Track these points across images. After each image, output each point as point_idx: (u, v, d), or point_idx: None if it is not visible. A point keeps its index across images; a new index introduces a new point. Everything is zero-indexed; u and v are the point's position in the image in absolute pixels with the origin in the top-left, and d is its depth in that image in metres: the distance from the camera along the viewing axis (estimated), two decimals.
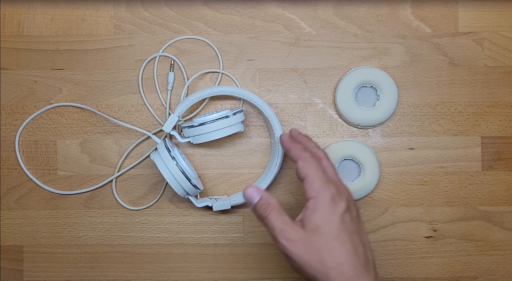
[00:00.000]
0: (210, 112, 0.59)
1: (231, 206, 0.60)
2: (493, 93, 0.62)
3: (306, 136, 0.54)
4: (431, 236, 0.62)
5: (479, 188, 0.62)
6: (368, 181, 0.61)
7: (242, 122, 0.59)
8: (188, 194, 0.57)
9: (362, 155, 0.61)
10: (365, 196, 0.62)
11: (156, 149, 0.58)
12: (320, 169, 0.49)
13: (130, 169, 0.63)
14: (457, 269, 0.62)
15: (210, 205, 0.59)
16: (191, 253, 0.63)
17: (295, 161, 0.50)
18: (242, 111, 0.59)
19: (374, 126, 0.62)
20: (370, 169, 0.61)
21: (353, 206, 0.48)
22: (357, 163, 0.61)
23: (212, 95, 0.59)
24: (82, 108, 0.63)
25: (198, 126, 0.56)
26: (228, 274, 0.63)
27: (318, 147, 0.53)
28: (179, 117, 0.57)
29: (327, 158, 0.52)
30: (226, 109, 0.59)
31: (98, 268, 0.63)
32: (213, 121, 0.56)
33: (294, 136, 0.54)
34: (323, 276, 0.45)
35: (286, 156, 0.61)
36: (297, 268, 0.47)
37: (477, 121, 0.62)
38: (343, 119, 0.62)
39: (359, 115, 0.61)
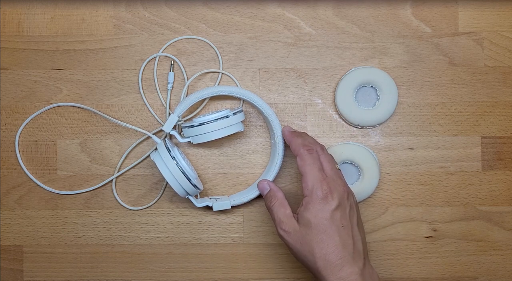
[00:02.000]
0: (210, 112, 0.59)
1: (231, 206, 0.60)
2: (493, 93, 0.62)
3: (303, 132, 0.58)
4: (431, 236, 0.62)
5: (479, 188, 0.62)
6: (367, 185, 0.61)
7: (242, 122, 0.59)
8: (188, 194, 0.57)
9: (361, 158, 0.61)
10: (365, 199, 0.62)
11: (156, 149, 0.58)
12: (317, 166, 0.52)
13: (130, 169, 0.63)
14: (457, 269, 0.62)
15: (210, 205, 0.59)
16: (191, 253, 0.63)
17: (295, 156, 0.54)
18: (242, 111, 0.59)
19: (374, 126, 0.62)
20: (369, 173, 0.60)
21: (346, 202, 0.52)
22: (357, 166, 0.61)
23: (212, 95, 0.59)
24: (82, 108, 0.63)
25: (198, 126, 0.56)
26: (228, 274, 0.63)
27: (316, 142, 0.56)
28: (179, 117, 0.57)
29: (325, 152, 0.55)
30: (226, 109, 0.59)
31: (98, 268, 0.63)
32: (213, 121, 0.56)
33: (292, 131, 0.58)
34: (312, 264, 0.50)
35: (286, 156, 0.61)
36: (293, 255, 0.53)
37: (477, 121, 0.62)
38: (343, 119, 0.62)
39: (359, 115, 0.61)
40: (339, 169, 0.55)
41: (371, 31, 0.62)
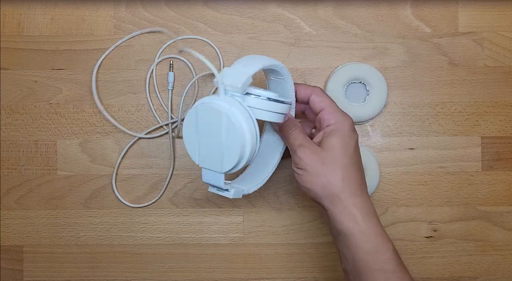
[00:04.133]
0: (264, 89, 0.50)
1: (243, 195, 0.52)
2: (493, 93, 0.62)
3: None
4: (431, 236, 0.62)
5: (479, 188, 0.62)
6: (367, 185, 0.60)
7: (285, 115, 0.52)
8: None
9: (361, 158, 0.60)
10: None
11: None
12: (335, 103, 0.52)
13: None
14: (457, 269, 0.62)
15: (245, 193, 0.52)
16: (191, 253, 0.63)
17: (306, 101, 0.53)
18: (290, 104, 0.52)
19: (367, 121, 0.62)
20: (369, 173, 0.60)
21: (358, 140, 0.52)
22: None
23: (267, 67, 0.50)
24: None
25: (265, 100, 0.48)
26: (228, 274, 0.63)
27: None
28: (242, 90, 0.46)
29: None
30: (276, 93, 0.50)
31: (98, 268, 0.63)
32: (279, 101, 0.49)
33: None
34: (333, 186, 0.49)
35: (284, 158, 0.60)
36: (306, 181, 0.50)
37: (477, 121, 0.62)
38: None
39: (350, 111, 0.60)
40: None
41: (371, 31, 0.62)
